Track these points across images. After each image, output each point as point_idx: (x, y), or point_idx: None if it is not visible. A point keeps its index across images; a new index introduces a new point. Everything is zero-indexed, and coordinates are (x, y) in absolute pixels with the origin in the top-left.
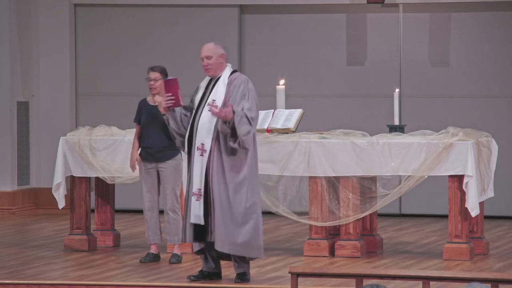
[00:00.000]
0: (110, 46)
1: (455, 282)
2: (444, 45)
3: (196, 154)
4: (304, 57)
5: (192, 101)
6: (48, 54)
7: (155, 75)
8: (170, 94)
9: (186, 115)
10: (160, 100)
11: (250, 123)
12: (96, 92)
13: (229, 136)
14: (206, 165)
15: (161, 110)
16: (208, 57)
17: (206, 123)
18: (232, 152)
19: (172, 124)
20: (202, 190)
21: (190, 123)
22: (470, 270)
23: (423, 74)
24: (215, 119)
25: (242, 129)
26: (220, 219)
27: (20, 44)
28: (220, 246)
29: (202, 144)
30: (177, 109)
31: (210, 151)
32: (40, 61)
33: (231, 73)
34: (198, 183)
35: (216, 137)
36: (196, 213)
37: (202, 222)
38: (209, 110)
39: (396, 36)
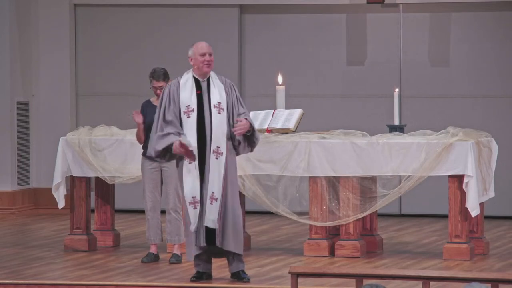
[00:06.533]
0: (110, 46)
1: (455, 282)
2: (444, 45)
3: (212, 157)
4: (304, 57)
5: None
6: (48, 54)
7: (159, 83)
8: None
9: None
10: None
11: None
12: (96, 92)
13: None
14: (224, 168)
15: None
16: (211, 54)
17: (220, 126)
18: (236, 153)
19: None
20: (216, 194)
21: (195, 127)
22: (470, 270)
23: (423, 74)
24: (226, 121)
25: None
26: (231, 220)
27: (20, 44)
28: (232, 247)
29: (218, 147)
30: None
31: (226, 153)
32: (40, 61)
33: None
34: (214, 187)
35: (228, 140)
36: (212, 217)
37: (216, 226)
38: (237, 134)
39: (396, 36)
